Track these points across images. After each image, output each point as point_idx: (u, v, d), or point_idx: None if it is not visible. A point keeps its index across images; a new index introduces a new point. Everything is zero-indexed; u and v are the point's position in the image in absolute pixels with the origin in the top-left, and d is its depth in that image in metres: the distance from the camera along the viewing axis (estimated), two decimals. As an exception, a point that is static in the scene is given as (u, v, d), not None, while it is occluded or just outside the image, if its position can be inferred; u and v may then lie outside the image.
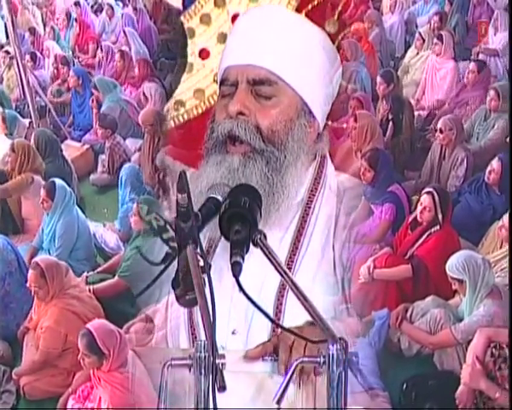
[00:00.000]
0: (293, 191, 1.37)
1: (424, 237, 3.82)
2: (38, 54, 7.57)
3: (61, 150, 5.63)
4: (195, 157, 1.45)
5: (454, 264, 3.39)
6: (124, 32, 7.66)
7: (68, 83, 6.77)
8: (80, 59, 7.83)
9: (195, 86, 1.70)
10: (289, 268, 1.35)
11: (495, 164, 4.37)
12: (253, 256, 1.11)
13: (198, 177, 1.35)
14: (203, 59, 1.70)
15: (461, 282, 3.40)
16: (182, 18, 1.71)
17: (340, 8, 1.61)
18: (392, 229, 4.08)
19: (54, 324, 3.65)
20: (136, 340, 3.59)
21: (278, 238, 1.37)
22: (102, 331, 3.20)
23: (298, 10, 1.63)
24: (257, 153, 1.33)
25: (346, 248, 1.41)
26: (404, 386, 3.30)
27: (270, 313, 1.31)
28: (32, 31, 8.27)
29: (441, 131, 4.80)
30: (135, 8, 8.25)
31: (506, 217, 3.85)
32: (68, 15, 8.57)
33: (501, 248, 3.90)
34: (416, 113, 5.61)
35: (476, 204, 4.40)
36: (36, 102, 6.38)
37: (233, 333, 1.35)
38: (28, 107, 6.32)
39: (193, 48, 1.71)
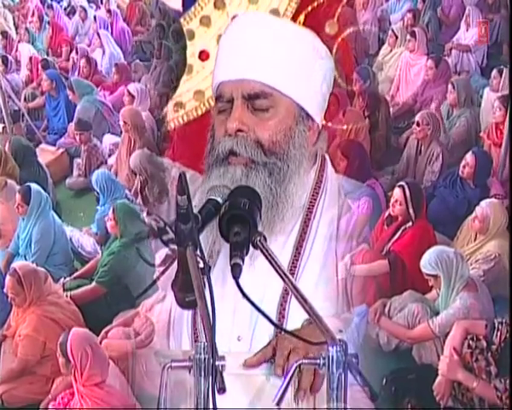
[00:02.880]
0: (296, 199, 1.37)
1: (400, 232, 3.85)
2: (10, 57, 7.48)
3: (36, 155, 5.58)
4: (195, 158, 1.44)
5: (427, 260, 3.42)
6: (98, 34, 7.61)
7: (42, 87, 6.70)
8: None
9: (195, 88, 1.72)
10: (292, 273, 1.35)
11: (469, 158, 4.42)
12: (257, 261, 1.13)
13: (203, 191, 1.34)
14: (203, 60, 1.71)
15: (436, 277, 3.44)
16: (181, 20, 1.72)
17: (339, 9, 1.62)
18: (370, 224, 4.09)
19: (32, 331, 3.63)
20: (113, 345, 3.58)
21: (281, 243, 1.36)
22: (75, 339, 3.20)
23: (297, 12, 1.66)
24: (259, 165, 1.33)
25: (348, 250, 1.41)
26: (384, 381, 3.32)
27: (274, 317, 1.31)
28: (4, 34, 8.17)
29: (418, 125, 4.85)
30: (108, 11, 8.19)
31: (479, 209, 3.90)
32: (41, 18, 8.48)
33: (475, 240, 3.94)
34: (391, 109, 5.66)
35: (451, 198, 4.45)
36: (9, 106, 6.31)
37: (238, 340, 1.34)
38: (1, 112, 6.24)
39: (192, 49, 1.72)
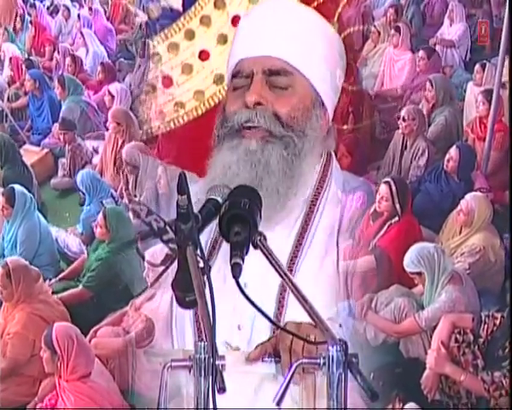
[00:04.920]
0: (309, 180, 1.37)
1: (385, 227, 3.85)
2: (-7, 58, 7.42)
3: (20, 155, 5.54)
4: (194, 159, 1.44)
5: (409, 259, 3.45)
6: (81, 33, 7.56)
7: (25, 87, 6.65)
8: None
9: (195, 88, 1.72)
10: (292, 263, 1.35)
11: (453, 152, 4.46)
12: (255, 256, 1.12)
13: (212, 164, 1.34)
14: (203, 60, 1.71)
15: (420, 274, 3.47)
16: (182, 19, 1.70)
17: (340, 9, 1.63)
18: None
19: (22, 329, 3.62)
20: (102, 343, 3.58)
21: (284, 236, 1.36)
22: (60, 329, 3.23)
23: None
24: (275, 137, 1.33)
25: (350, 247, 1.42)
26: (372, 375, 3.32)
27: (272, 313, 1.31)
28: (-14, 35, 8.09)
29: (404, 120, 4.87)
30: (90, 9, 8.14)
31: (463, 202, 3.93)
32: (22, 18, 8.40)
33: (460, 233, 3.97)
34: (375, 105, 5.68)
35: (436, 192, 4.48)
36: (-8, 107, 6.27)
37: (238, 328, 1.35)
38: (-16, 113, 6.20)
39: (192, 49, 1.73)
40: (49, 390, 3.36)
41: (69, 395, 3.12)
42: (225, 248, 1.33)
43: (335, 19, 1.63)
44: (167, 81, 1.75)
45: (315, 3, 1.64)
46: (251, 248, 1.17)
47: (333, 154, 1.48)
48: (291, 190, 1.34)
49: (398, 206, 3.83)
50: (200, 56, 1.72)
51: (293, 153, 1.34)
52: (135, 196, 4.82)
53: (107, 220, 4.16)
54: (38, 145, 6.14)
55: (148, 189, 4.80)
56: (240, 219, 1.10)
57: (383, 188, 3.86)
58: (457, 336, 3.12)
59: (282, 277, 1.12)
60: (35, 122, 6.49)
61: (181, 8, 1.76)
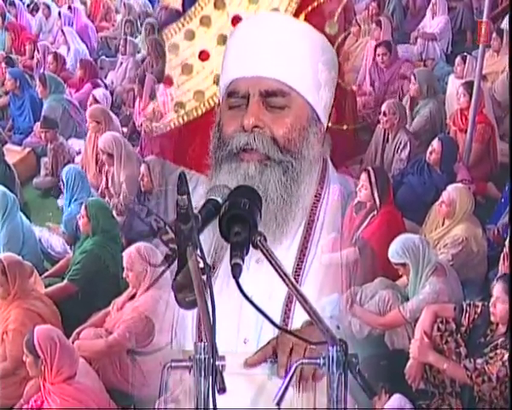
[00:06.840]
0: (307, 200, 1.38)
1: (368, 218, 3.86)
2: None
3: (4, 155, 5.49)
4: (194, 159, 1.46)
5: (394, 250, 3.46)
6: (62, 31, 7.50)
7: (6, 86, 6.58)
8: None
9: (195, 88, 1.72)
10: (297, 275, 1.36)
11: (435, 144, 4.49)
12: (260, 270, 1.15)
13: (212, 186, 1.33)
14: (203, 60, 1.72)
15: (404, 266, 3.48)
16: (181, 19, 1.70)
17: (339, 9, 1.63)
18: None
19: (20, 326, 3.55)
20: (85, 346, 3.55)
21: (285, 246, 1.37)
22: (41, 333, 3.17)
23: (297, 12, 1.68)
24: (274, 162, 1.34)
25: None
26: (357, 368, 3.33)
27: (279, 317, 1.32)
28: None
29: (385, 114, 4.88)
30: (69, 7, 8.08)
31: (445, 193, 3.96)
32: (3, 16, 8.31)
33: (443, 225, 4.00)
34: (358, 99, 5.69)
35: (419, 185, 4.50)
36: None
37: (244, 342, 1.34)
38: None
39: (192, 49, 1.73)
40: (35, 392, 3.32)
41: (55, 397, 3.08)
42: (228, 263, 1.36)
43: (335, 19, 1.63)
44: (167, 81, 1.75)
45: (315, 3, 1.63)
46: (255, 263, 1.21)
47: (328, 159, 1.48)
48: (290, 215, 1.35)
49: (376, 195, 3.80)
50: (200, 57, 1.73)
51: (292, 177, 1.34)
52: (115, 192, 4.80)
53: (88, 210, 4.15)
54: (20, 145, 6.09)
55: (127, 184, 4.79)
56: (240, 219, 1.10)
57: (362, 177, 3.85)
58: (440, 325, 3.15)
59: (282, 277, 1.12)
60: (16, 121, 6.43)
61: (181, 9, 1.76)
